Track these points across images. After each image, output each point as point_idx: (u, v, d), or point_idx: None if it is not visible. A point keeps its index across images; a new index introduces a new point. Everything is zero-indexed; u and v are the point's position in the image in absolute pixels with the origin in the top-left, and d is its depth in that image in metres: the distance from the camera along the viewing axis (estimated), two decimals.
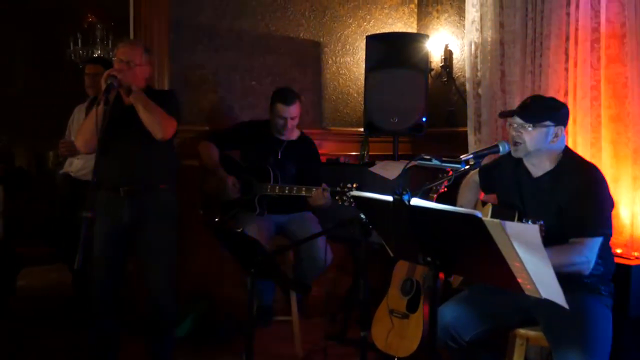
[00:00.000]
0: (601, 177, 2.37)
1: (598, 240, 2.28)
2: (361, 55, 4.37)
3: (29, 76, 7.13)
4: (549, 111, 2.40)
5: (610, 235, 2.35)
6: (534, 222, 1.96)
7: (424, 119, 3.95)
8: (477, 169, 2.81)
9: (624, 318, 2.61)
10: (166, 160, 3.07)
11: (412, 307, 3.09)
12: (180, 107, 3.13)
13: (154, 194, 2.99)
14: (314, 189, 3.34)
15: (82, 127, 2.99)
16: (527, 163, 2.49)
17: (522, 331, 2.42)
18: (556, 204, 2.20)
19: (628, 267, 2.77)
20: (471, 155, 2.23)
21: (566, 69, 3.29)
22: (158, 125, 2.87)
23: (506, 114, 2.46)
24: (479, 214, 1.56)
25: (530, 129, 2.35)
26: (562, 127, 2.41)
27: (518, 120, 2.38)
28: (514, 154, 2.44)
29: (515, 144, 2.40)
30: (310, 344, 3.65)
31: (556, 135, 2.39)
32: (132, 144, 2.94)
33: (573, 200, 2.28)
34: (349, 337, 3.79)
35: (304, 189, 3.38)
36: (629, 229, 3.02)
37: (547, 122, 2.37)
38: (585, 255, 2.23)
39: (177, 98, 3.15)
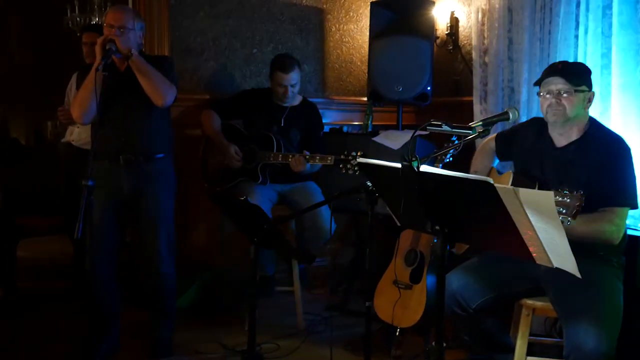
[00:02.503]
0: (628, 149, 2.33)
1: (626, 211, 2.27)
2: (365, 22, 4.28)
3: (25, 45, 7.01)
4: (585, 74, 2.37)
5: (637, 206, 2.31)
6: (571, 191, 1.90)
7: (428, 88, 3.88)
8: (494, 135, 2.75)
9: (631, 288, 2.58)
10: (164, 129, 3.03)
11: (415, 277, 3.07)
12: (176, 74, 3.07)
13: (152, 163, 2.96)
14: (296, 155, 3.31)
15: (78, 97, 2.90)
16: (553, 132, 2.44)
17: (529, 302, 2.39)
18: (582, 176, 2.15)
19: (636, 238, 2.74)
20: (480, 123, 2.17)
21: (576, 37, 3.22)
22: (158, 90, 2.81)
23: (550, 74, 2.36)
24: (490, 180, 1.51)
25: (571, 93, 2.30)
26: (592, 93, 2.39)
27: (558, 84, 2.31)
28: (552, 120, 2.37)
29: (554, 110, 2.33)
30: (312, 314, 3.64)
31: (589, 101, 2.36)
32: (130, 112, 2.88)
33: (601, 171, 2.23)
34: (350, 308, 3.78)
35: (306, 156, 3.33)
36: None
37: (584, 87, 2.34)
38: (617, 224, 2.22)
39: (174, 64, 3.08)
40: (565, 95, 2.30)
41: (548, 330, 3.16)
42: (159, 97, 2.81)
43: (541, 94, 2.38)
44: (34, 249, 5.16)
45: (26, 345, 3.25)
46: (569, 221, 1.89)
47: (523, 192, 1.48)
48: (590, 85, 2.37)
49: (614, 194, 2.24)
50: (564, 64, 2.42)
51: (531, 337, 2.56)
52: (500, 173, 2.69)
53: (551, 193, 1.46)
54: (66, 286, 4.05)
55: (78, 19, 5.59)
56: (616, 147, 2.32)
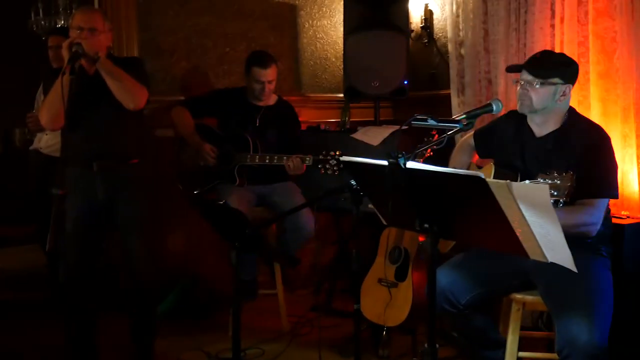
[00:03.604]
0: (607, 138, 2.31)
1: (605, 202, 2.24)
2: (339, 17, 4.22)
3: None
4: (558, 67, 2.32)
5: (617, 196, 2.28)
6: (560, 173, 1.90)
7: (405, 83, 3.83)
8: (472, 133, 2.72)
9: (620, 276, 2.57)
10: (138, 133, 2.93)
11: (400, 275, 3.02)
12: (147, 75, 2.98)
13: (127, 168, 2.87)
14: (291, 157, 3.23)
15: (46, 102, 2.80)
16: (531, 122, 2.42)
17: (518, 296, 2.36)
18: (562, 165, 2.11)
19: (621, 226, 2.73)
20: (464, 115, 2.11)
21: (552, 26, 3.20)
22: (129, 93, 2.72)
23: (514, 68, 2.39)
24: (482, 174, 1.46)
25: (537, 85, 2.28)
26: (570, 86, 2.34)
27: (526, 75, 2.30)
28: (519, 110, 2.37)
29: (521, 100, 2.32)
30: (296, 316, 3.58)
31: (563, 94, 2.32)
32: (101, 117, 2.79)
33: (580, 161, 2.20)
34: (334, 307, 3.72)
35: (284, 157, 3.26)
36: (619, 187, 2.96)
37: (556, 79, 2.29)
38: (595, 216, 2.19)
39: (144, 65, 2.99)
40: (535, 86, 2.29)
41: (535, 323, 3.14)
42: (130, 100, 2.72)
43: (515, 82, 2.37)
44: (6, 259, 5.02)
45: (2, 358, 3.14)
46: (562, 202, 1.89)
47: (516, 186, 1.43)
48: (566, 78, 2.32)
49: (593, 185, 2.21)
50: (543, 53, 2.40)
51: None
52: (479, 168, 2.66)
53: (546, 186, 1.41)
54: (41, 296, 3.93)
55: (43, 22, 5.43)
56: (595, 136, 2.30)
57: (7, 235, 5.25)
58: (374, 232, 3.25)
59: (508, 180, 1.41)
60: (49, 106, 2.75)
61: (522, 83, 2.31)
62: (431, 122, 1.97)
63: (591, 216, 2.18)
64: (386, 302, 3.01)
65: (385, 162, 1.65)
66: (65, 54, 2.64)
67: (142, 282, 2.94)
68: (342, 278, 3.96)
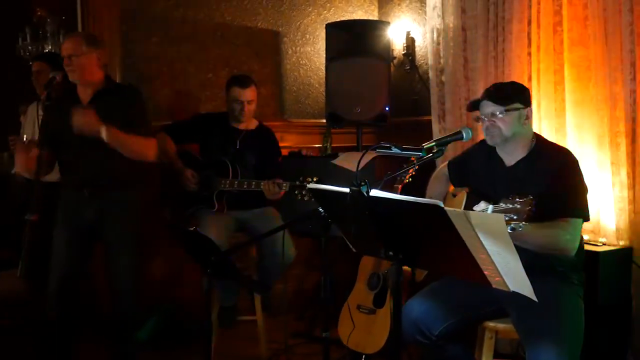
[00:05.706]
0: (576, 160, 2.32)
1: (580, 222, 2.23)
2: (322, 44, 4.25)
3: None
4: (516, 93, 2.35)
5: (589, 218, 2.28)
6: (521, 197, 1.91)
7: (387, 109, 3.85)
8: (446, 163, 2.73)
9: (593, 306, 2.56)
10: (126, 158, 2.95)
11: (379, 302, 3.01)
12: (147, 110, 3.05)
13: (117, 192, 2.90)
14: (268, 183, 3.23)
15: None
16: (501, 152, 2.42)
17: (491, 324, 2.34)
18: (533, 191, 2.13)
19: (596, 253, 2.73)
20: (433, 143, 2.13)
21: (529, 54, 3.24)
22: (142, 154, 2.85)
23: (475, 104, 2.38)
24: (441, 203, 1.47)
25: (501, 115, 2.28)
26: (530, 108, 2.37)
27: (489, 107, 2.30)
28: (491, 142, 2.36)
29: (491, 133, 2.32)
30: (277, 343, 3.55)
31: (527, 117, 2.34)
32: (92, 143, 2.82)
33: (552, 184, 2.20)
34: (316, 335, 3.69)
35: (262, 183, 3.25)
36: (595, 215, 2.97)
37: (517, 104, 2.31)
38: (570, 232, 2.17)
39: (144, 101, 3.07)
40: (499, 115, 2.30)
41: (514, 350, 3.12)
42: (144, 158, 2.85)
43: (479, 117, 2.37)
44: None
45: None
46: (521, 226, 1.89)
47: (474, 215, 1.43)
48: (525, 102, 2.36)
49: (566, 205, 2.22)
50: (496, 86, 2.41)
51: (497, 359, 2.51)
52: (454, 196, 2.66)
53: (502, 216, 1.42)
54: (17, 323, 3.89)
55: (30, 47, 5.45)
56: (564, 159, 2.32)
57: None
58: (357, 258, 3.24)
59: (464, 210, 1.41)
60: None
61: (490, 115, 2.31)
62: (395, 150, 1.98)
63: (567, 232, 2.17)
64: (364, 329, 2.99)
65: (347, 190, 1.65)
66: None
67: (123, 305, 2.94)
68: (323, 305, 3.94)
